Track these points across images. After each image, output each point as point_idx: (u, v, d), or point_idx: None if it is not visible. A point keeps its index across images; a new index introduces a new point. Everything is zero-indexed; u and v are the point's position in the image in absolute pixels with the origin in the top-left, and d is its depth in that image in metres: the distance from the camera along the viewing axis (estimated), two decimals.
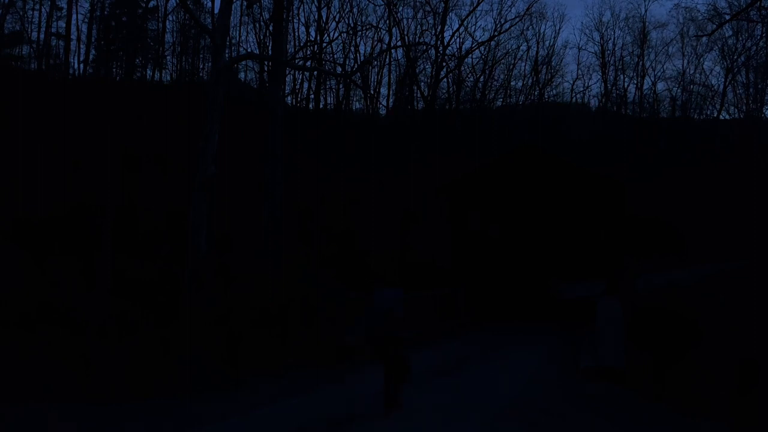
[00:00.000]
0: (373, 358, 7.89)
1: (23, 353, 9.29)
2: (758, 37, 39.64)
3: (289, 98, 29.70)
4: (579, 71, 73.98)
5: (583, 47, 76.99)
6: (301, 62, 22.64)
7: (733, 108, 45.63)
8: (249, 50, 31.80)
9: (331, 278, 19.43)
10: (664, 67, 71.76)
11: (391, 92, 35.48)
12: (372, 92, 31.16)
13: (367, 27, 32.28)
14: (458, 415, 7.73)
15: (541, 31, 71.98)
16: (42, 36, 28.93)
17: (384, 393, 7.87)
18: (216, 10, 13.87)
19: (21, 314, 11.34)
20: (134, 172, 25.06)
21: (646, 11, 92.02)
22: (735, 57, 42.91)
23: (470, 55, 32.76)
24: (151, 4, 34.39)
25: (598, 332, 11.14)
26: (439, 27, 28.32)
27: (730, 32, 38.64)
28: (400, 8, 30.71)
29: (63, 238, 20.34)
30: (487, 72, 35.89)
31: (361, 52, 33.87)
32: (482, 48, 34.21)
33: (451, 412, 7.81)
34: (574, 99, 47.92)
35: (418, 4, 29.39)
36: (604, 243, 16.76)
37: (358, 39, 33.09)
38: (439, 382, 9.31)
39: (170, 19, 37.30)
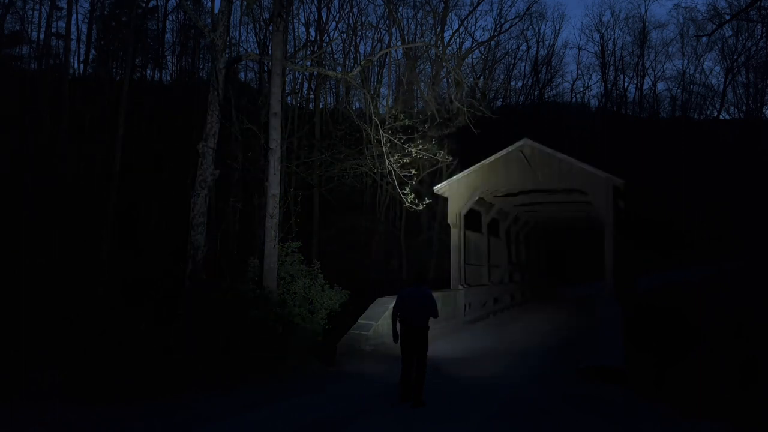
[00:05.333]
0: (404, 352, 8.06)
1: (21, 351, 9.28)
2: (758, 37, 39.69)
3: (289, 98, 29.68)
4: (579, 71, 74.09)
5: (583, 47, 77.17)
6: (301, 62, 22.64)
7: (733, 108, 45.68)
8: (249, 50, 31.77)
9: (331, 276, 19.39)
10: (664, 67, 71.91)
11: (391, 92, 35.51)
12: (372, 92, 31.14)
13: (367, 27, 32.31)
14: (454, 417, 7.73)
15: (541, 31, 72.30)
16: (42, 36, 28.96)
17: (401, 386, 8.02)
18: (216, 10, 13.85)
19: (18, 312, 11.34)
20: (134, 173, 25.08)
21: (646, 11, 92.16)
22: (735, 57, 42.97)
23: (470, 55, 32.81)
24: (151, 4, 34.43)
25: (598, 332, 11.16)
26: (439, 27, 28.34)
27: (730, 32, 38.69)
28: (400, 8, 30.61)
29: (65, 238, 20.34)
30: (487, 72, 35.90)
31: (361, 52, 33.90)
32: (482, 48, 34.25)
33: (450, 413, 7.81)
34: (574, 99, 48.00)
35: (418, 4, 29.45)
36: (604, 243, 16.72)
37: (358, 39, 33.13)
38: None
39: (170, 19, 37.33)
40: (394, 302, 8.33)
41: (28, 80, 25.62)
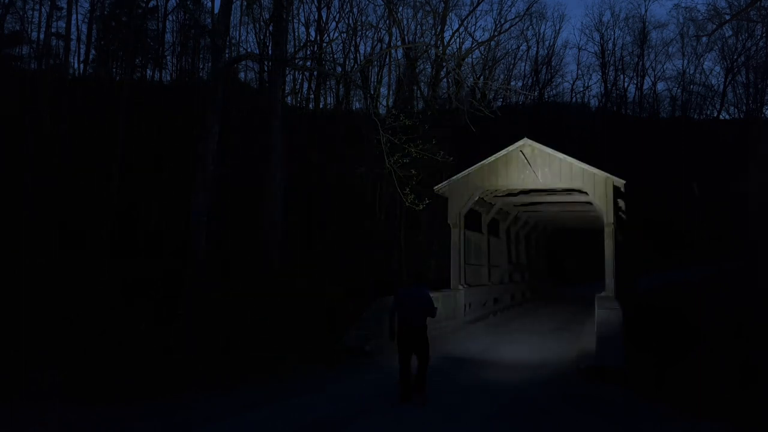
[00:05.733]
0: (400, 352, 8.19)
1: (21, 351, 9.29)
2: (758, 37, 39.68)
3: (289, 98, 29.69)
4: (579, 71, 74.03)
5: (583, 47, 77.13)
6: (301, 62, 22.63)
7: (733, 108, 45.65)
8: (249, 50, 31.77)
9: (331, 276, 19.41)
10: (664, 67, 71.88)
11: (391, 92, 35.53)
12: (372, 92, 31.18)
13: (367, 27, 32.32)
14: (454, 417, 7.72)
15: (541, 31, 72.25)
16: (42, 36, 28.90)
17: (400, 386, 8.12)
18: (216, 10, 13.85)
19: (18, 312, 11.34)
20: (134, 173, 25.09)
21: (646, 11, 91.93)
22: (735, 57, 42.96)
23: (470, 55, 32.83)
24: (151, 4, 34.42)
25: (598, 332, 11.14)
26: (439, 27, 28.37)
27: (730, 32, 38.67)
28: (400, 8, 30.59)
29: (65, 238, 20.34)
30: (487, 72, 35.90)
31: (361, 52, 33.93)
32: (482, 48, 34.27)
33: (450, 413, 7.81)
34: (574, 99, 48.00)
35: (418, 4, 29.42)
36: (603, 243, 16.72)
37: (358, 39, 33.15)
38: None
39: (170, 19, 37.33)
40: (393, 299, 8.47)
41: (28, 80, 25.61)
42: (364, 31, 32.78)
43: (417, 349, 8.12)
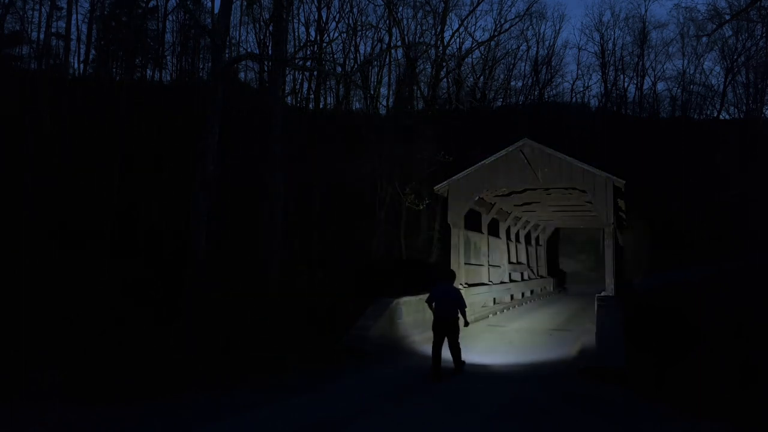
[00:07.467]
0: (435, 336, 9.76)
1: (21, 351, 9.29)
2: (758, 37, 39.60)
3: (289, 98, 29.68)
4: (579, 71, 73.85)
5: (583, 47, 76.94)
6: (301, 62, 22.62)
7: (733, 108, 45.56)
8: (249, 50, 31.79)
9: (331, 276, 19.41)
10: (664, 67, 71.70)
11: (391, 92, 35.53)
12: (372, 92, 31.19)
13: (367, 27, 32.32)
14: (454, 418, 7.72)
15: (541, 31, 72.04)
16: (42, 36, 28.92)
17: (433, 368, 9.59)
18: (216, 10, 13.86)
19: (18, 312, 11.34)
20: (134, 173, 25.08)
21: (646, 11, 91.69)
22: (735, 57, 42.88)
23: (470, 55, 32.83)
24: (151, 4, 34.43)
25: (598, 332, 11.15)
26: (439, 27, 28.35)
27: (730, 32, 38.60)
28: (400, 8, 30.62)
29: (65, 238, 20.34)
30: (487, 72, 35.91)
31: (361, 52, 33.91)
32: (482, 48, 34.27)
33: (450, 413, 7.81)
34: (574, 99, 47.91)
35: (418, 4, 29.40)
36: (603, 242, 16.73)
37: (358, 39, 33.13)
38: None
39: (170, 19, 37.32)
40: (429, 294, 10.08)
41: (28, 80, 25.60)
42: (364, 31, 32.79)
43: (450, 335, 9.71)
